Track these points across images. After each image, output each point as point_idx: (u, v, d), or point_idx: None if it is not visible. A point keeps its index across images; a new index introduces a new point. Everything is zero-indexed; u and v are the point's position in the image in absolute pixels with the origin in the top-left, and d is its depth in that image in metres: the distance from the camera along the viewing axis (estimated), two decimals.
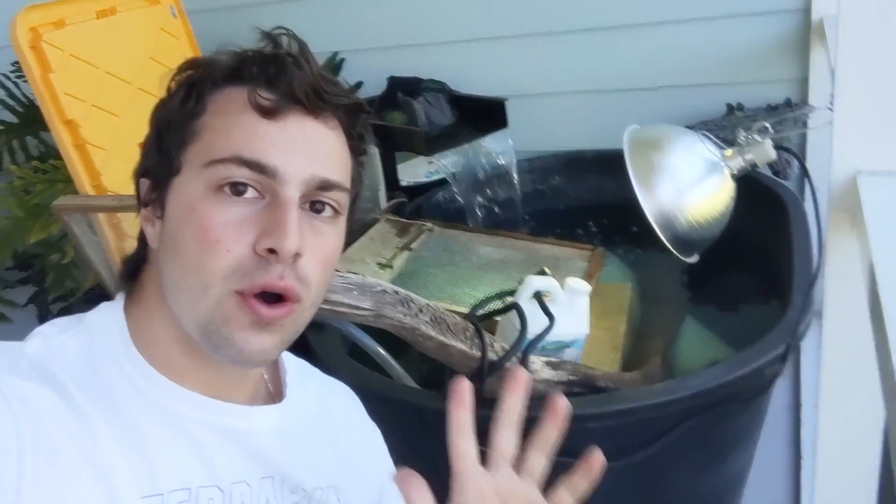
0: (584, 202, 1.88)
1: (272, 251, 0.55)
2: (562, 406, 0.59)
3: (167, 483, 0.56)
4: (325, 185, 0.59)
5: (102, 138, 1.40)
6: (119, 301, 0.63)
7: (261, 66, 0.58)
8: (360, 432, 0.78)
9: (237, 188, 0.56)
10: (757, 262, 1.51)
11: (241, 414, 0.64)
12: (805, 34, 1.62)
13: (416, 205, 1.75)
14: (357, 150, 0.65)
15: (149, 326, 0.61)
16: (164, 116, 0.61)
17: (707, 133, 1.17)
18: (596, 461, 0.59)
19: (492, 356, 0.95)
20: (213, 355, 0.58)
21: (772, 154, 1.09)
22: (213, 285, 0.55)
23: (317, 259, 0.59)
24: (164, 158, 0.60)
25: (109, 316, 0.62)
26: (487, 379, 0.95)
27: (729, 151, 1.12)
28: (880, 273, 0.61)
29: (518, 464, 0.57)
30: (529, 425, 0.58)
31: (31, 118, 1.68)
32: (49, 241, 1.71)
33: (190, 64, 0.61)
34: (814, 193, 0.89)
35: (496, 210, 1.81)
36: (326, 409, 0.75)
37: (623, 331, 1.36)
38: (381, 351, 1.18)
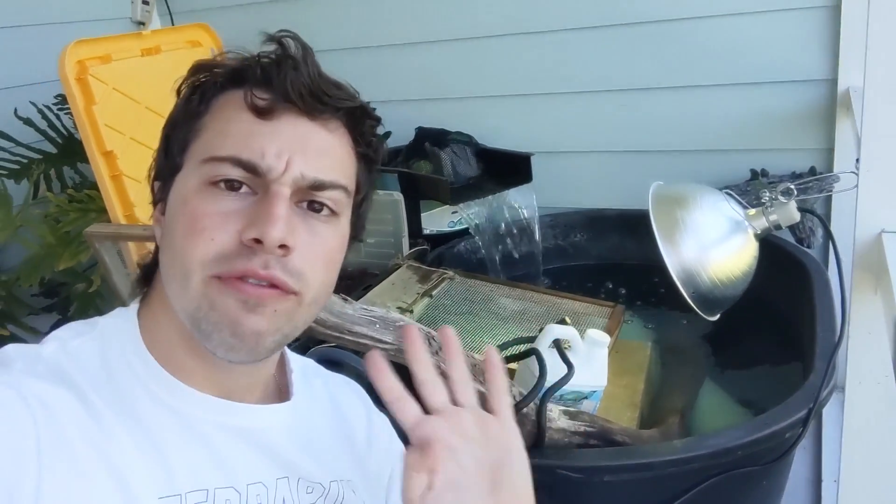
0: (605, 260, 1.89)
1: (257, 241, 0.55)
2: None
3: (184, 484, 0.56)
4: (317, 185, 0.59)
5: (138, 171, 1.44)
6: (133, 306, 0.64)
7: (261, 68, 0.59)
8: (368, 421, 0.77)
9: (231, 184, 0.57)
10: (779, 328, 1.49)
11: (252, 413, 0.63)
12: (831, 104, 1.64)
13: (438, 253, 1.76)
14: (366, 157, 0.65)
15: (158, 328, 0.61)
16: (171, 118, 0.63)
17: (731, 192, 1.18)
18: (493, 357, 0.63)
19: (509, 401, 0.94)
20: (208, 345, 0.57)
21: (796, 215, 1.09)
22: (194, 272, 0.56)
23: (313, 256, 0.58)
24: (169, 158, 0.61)
25: (122, 320, 0.62)
26: None
27: (753, 211, 1.13)
28: None
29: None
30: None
31: (69, 150, 1.74)
32: (77, 269, 1.74)
33: (197, 68, 0.62)
34: (837, 256, 0.89)
35: (517, 263, 1.82)
36: (335, 403, 0.75)
37: (641, 389, 1.34)
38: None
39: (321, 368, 0.79)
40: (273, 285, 0.56)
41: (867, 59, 0.75)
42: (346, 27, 2.06)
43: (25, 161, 1.73)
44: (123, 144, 1.42)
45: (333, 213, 0.61)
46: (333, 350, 1.16)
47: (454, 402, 0.60)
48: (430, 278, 1.59)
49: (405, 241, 1.71)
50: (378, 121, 0.65)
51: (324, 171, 0.59)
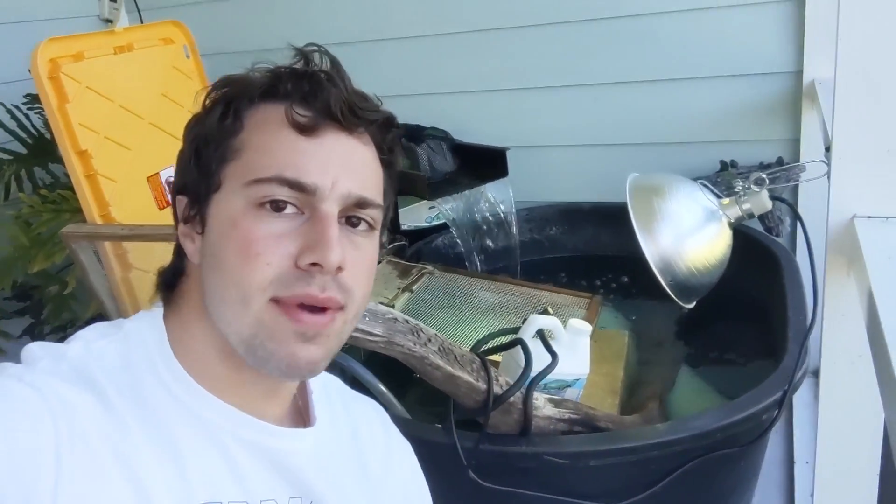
0: (581, 252, 1.92)
1: (315, 265, 0.55)
2: None
3: (199, 494, 0.56)
4: (362, 203, 0.59)
5: (113, 170, 1.43)
6: (158, 310, 0.63)
7: (296, 82, 0.59)
8: (387, 449, 0.77)
9: (277, 205, 0.57)
10: (751, 315, 1.53)
11: (277, 434, 0.63)
12: (797, 96, 1.69)
13: (416, 248, 1.77)
14: (388, 164, 0.65)
15: (189, 338, 0.61)
16: (202, 133, 0.61)
17: (706, 182, 1.21)
18: None
19: (497, 390, 0.96)
20: (262, 370, 0.58)
21: (768, 204, 1.12)
22: (253, 297, 0.56)
23: (358, 271, 0.59)
24: (203, 175, 0.60)
25: (148, 324, 0.61)
26: (492, 413, 0.95)
27: (726, 200, 1.16)
28: (882, 309, 0.63)
29: None
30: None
31: (40, 149, 1.71)
32: (49, 272, 1.71)
33: (226, 81, 0.62)
34: (808, 242, 0.92)
35: (495, 257, 1.84)
36: (355, 431, 0.75)
37: (621, 377, 1.37)
38: (381, 387, 1.19)
39: (338, 382, 0.79)
40: (324, 308, 0.57)
41: (838, 49, 0.78)
42: (319, 23, 2.06)
43: None
44: (98, 143, 1.40)
45: (371, 227, 0.62)
46: None
47: None
48: (410, 273, 1.60)
49: (384, 237, 1.72)
50: (400, 128, 0.66)
51: (367, 189, 0.60)
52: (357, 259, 0.59)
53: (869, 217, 0.77)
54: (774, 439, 1.65)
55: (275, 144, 0.58)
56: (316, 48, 0.61)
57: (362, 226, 0.61)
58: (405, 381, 1.26)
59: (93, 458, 0.51)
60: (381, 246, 0.67)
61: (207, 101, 0.62)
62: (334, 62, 0.61)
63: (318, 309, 0.57)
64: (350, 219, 0.60)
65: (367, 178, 0.61)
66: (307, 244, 0.56)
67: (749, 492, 1.25)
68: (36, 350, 0.57)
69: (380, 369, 1.20)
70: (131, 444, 0.54)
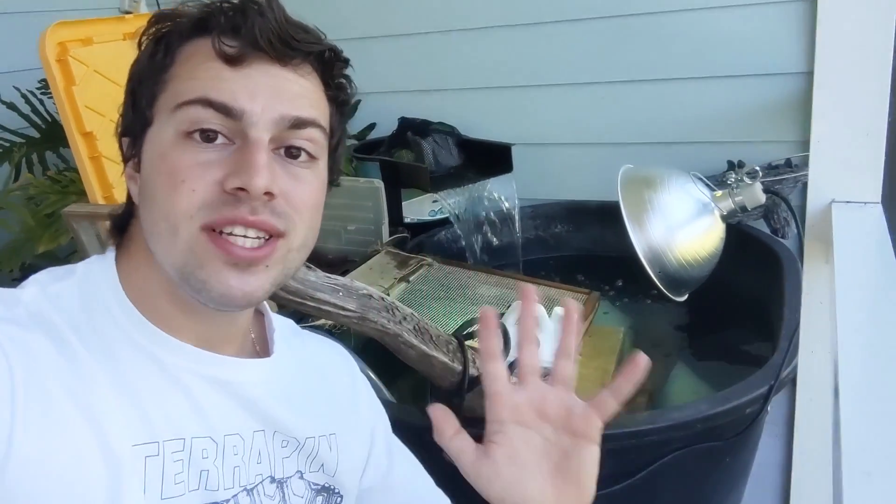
0: (584, 251, 1.91)
1: (241, 189, 0.54)
2: (572, 304, 0.63)
3: (162, 432, 0.56)
4: (297, 123, 0.57)
5: (117, 153, 1.44)
6: (110, 254, 0.63)
7: (226, 15, 0.58)
8: (352, 382, 0.77)
9: (207, 134, 0.56)
10: (752, 316, 1.51)
11: (233, 366, 0.63)
12: (807, 96, 1.66)
13: (418, 241, 1.77)
14: (337, 100, 0.64)
15: (139, 279, 0.60)
16: (136, 72, 0.61)
17: (699, 175, 1.20)
18: (641, 362, 0.61)
19: (473, 372, 0.96)
20: (197, 298, 0.57)
21: (761, 197, 1.11)
22: (181, 225, 0.55)
23: (297, 200, 0.58)
24: (137, 113, 0.59)
25: (100, 268, 0.61)
26: (468, 395, 0.95)
27: (719, 193, 1.15)
28: (840, 293, 0.62)
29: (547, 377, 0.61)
30: None
31: (52, 134, 1.75)
32: (58, 254, 1.74)
33: (158, 18, 0.60)
34: (800, 234, 0.91)
35: (497, 253, 1.84)
36: (314, 361, 0.74)
37: (612, 371, 1.36)
38: (370, 373, 1.19)
39: (304, 330, 0.78)
40: (264, 236, 0.56)
41: (817, 39, 0.78)
42: (330, 18, 2.07)
43: (7, 144, 1.74)
44: (103, 126, 1.42)
45: (312, 157, 0.60)
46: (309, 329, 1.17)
47: (554, 375, 0.62)
48: (408, 264, 1.60)
49: (385, 229, 1.73)
50: (347, 62, 0.64)
51: (301, 109, 0.58)
52: (294, 189, 0.58)
53: (847, 202, 0.76)
54: (772, 443, 1.62)
55: (200, 71, 0.57)
56: None
57: (302, 157, 0.59)
58: (399, 373, 1.26)
59: (50, 401, 0.51)
60: (332, 182, 0.65)
61: (143, 40, 0.61)
62: None
63: (252, 247, 0.56)
64: (289, 149, 0.58)
65: (304, 104, 0.59)
66: (233, 170, 0.55)
67: (736, 491, 1.23)
68: None
69: (373, 360, 1.21)
70: (88, 386, 0.54)
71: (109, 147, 1.44)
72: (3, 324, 0.54)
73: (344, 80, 0.64)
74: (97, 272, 0.61)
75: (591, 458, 0.61)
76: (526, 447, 0.59)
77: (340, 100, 0.64)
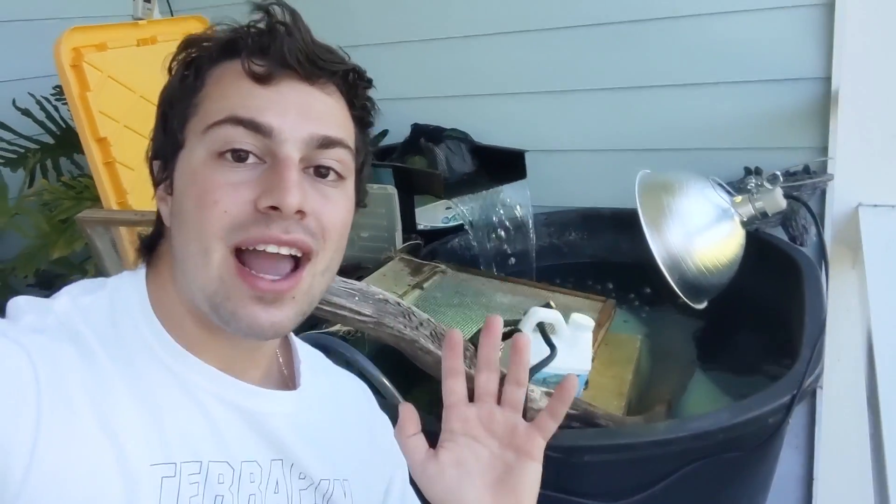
0: (599, 259, 1.89)
1: (274, 208, 0.54)
2: (522, 342, 0.66)
3: (180, 453, 0.56)
4: (326, 143, 0.58)
5: (131, 158, 1.45)
6: (140, 270, 0.63)
7: (254, 37, 0.59)
8: (370, 423, 0.77)
9: (238, 154, 0.56)
10: (771, 325, 1.49)
11: (257, 395, 0.63)
12: (825, 102, 1.65)
13: (431, 248, 1.76)
14: (362, 120, 0.64)
15: (166, 298, 0.60)
16: (167, 96, 0.62)
17: (718, 180, 1.18)
18: (570, 383, 0.66)
19: None
20: (226, 328, 0.57)
21: (781, 202, 1.09)
22: (213, 247, 0.55)
23: (327, 220, 0.58)
24: (169, 136, 0.60)
25: (131, 283, 0.61)
26: None
27: (739, 198, 1.13)
28: (873, 298, 0.60)
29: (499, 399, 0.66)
30: None
31: (66, 140, 1.75)
32: (72, 260, 1.75)
33: (188, 43, 0.61)
34: (822, 240, 0.89)
35: (510, 260, 1.82)
36: (338, 400, 0.74)
37: (629, 380, 1.34)
38: (385, 380, 1.17)
39: (329, 363, 0.79)
40: (297, 253, 0.57)
41: (845, 45, 0.76)
42: (343, 25, 2.08)
43: (22, 150, 1.74)
44: (117, 132, 1.43)
45: (340, 176, 0.60)
46: (324, 336, 1.16)
47: (504, 399, 0.66)
48: (421, 271, 1.59)
49: (398, 236, 1.72)
50: (370, 83, 0.65)
51: (330, 129, 0.59)
52: (325, 208, 0.58)
53: (875, 206, 0.74)
54: (794, 455, 1.60)
55: (230, 91, 0.58)
56: (275, 1, 0.60)
57: (331, 176, 0.60)
58: (414, 381, 1.25)
59: (73, 414, 0.51)
60: (359, 203, 0.66)
61: (173, 65, 0.62)
62: (293, 14, 0.60)
63: (277, 278, 0.56)
64: (318, 169, 0.59)
65: (332, 123, 0.60)
66: (265, 189, 0.55)
67: (756, 503, 1.21)
68: (22, 304, 0.57)
69: (388, 366, 1.19)
70: (112, 401, 0.54)
71: (123, 152, 1.44)
72: (34, 334, 0.54)
73: (368, 102, 0.65)
74: (128, 287, 0.61)
75: (531, 474, 0.64)
76: (472, 456, 0.64)
77: (365, 120, 0.65)
